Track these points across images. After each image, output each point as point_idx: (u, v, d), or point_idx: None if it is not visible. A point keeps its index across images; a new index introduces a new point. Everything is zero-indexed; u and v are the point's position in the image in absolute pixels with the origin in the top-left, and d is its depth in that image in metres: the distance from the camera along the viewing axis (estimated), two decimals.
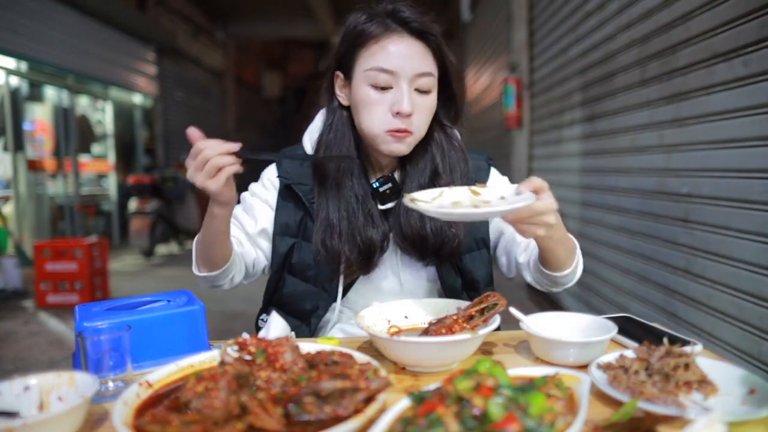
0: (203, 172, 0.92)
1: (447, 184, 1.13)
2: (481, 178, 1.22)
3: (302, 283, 1.19)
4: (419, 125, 1.10)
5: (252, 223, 1.21)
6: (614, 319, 0.99)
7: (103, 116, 8.46)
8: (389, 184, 1.16)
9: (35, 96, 6.93)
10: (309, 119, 1.25)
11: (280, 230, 1.20)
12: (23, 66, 6.28)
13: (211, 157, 0.92)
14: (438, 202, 0.93)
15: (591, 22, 3.40)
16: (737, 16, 1.97)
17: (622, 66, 2.96)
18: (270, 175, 1.24)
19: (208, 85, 11.93)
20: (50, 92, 7.10)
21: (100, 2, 7.10)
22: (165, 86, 9.67)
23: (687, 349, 0.80)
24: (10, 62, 6.05)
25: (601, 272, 3.37)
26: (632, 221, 2.89)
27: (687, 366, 0.74)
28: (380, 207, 1.17)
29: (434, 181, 1.16)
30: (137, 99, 9.08)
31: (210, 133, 0.96)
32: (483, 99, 7.27)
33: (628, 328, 1.00)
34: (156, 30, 8.92)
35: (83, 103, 8.00)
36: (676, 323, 2.43)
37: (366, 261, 1.14)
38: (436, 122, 1.17)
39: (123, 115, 8.88)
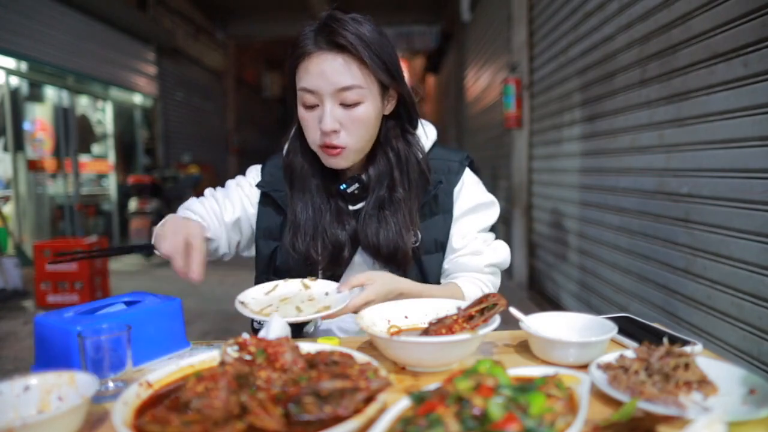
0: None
1: (403, 197, 1.16)
2: (450, 182, 1.21)
3: None
4: (352, 139, 1.10)
5: (230, 211, 1.24)
6: (614, 319, 0.99)
7: (103, 116, 8.45)
8: (356, 185, 1.18)
9: (35, 96, 6.93)
10: None
11: (263, 234, 1.24)
12: (23, 66, 6.28)
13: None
14: (270, 295, 1.04)
15: (591, 22, 3.40)
16: (737, 16, 1.97)
17: (622, 66, 2.96)
18: (254, 173, 1.29)
19: (208, 85, 11.92)
20: (50, 92, 7.10)
21: (100, 2, 7.09)
22: (165, 86, 9.66)
23: (687, 349, 0.80)
24: (10, 62, 6.04)
25: (601, 272, 3.37)
26: (632, 221, 2.89)
27: (687, 366, 0.74)
28: (351, 208, 1.20)
29: (392, 191, 1.17)
30: (137, 99, 9.07)
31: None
32: (483, 99, 7.27)
33: (628, 328, 1.00)
34: (156, 30, 8.92)
35: (83, 103, 7.99)
36: (676, 323, 2.43)
37: (334, 259, 1.17)
38: (397, 129, 1.18)
39: (123, 115, 8.87)
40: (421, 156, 1.19)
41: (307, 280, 1.08)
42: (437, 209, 1.21)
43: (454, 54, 9.93)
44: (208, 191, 1.30)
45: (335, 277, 1.20)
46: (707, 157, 2.19)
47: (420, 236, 1.19)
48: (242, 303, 0.99)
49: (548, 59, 4.37)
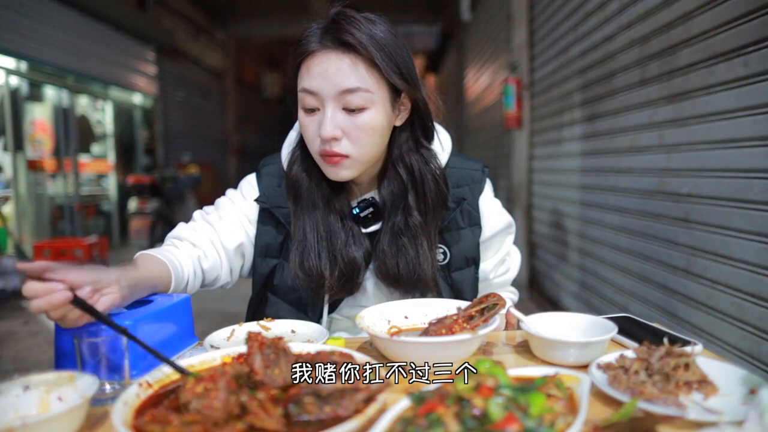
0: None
1: (420, 223, 1.08)
2: (474, 192, 1.15)
3: (285, 304, 1.15)
4: (355, 148, 1.01)
5: (231, 235, 1.14)
6: (614, 319, 0.99)
7: (103, 116, 8.45)
8: (370, 209, 1.10)
9: (35, 96, 6.92)
10: None
11: (261, 252, 1.15)
12: (23, 66, 6.28)
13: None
14: (233, 341, 0.95)
15: (591, 22, 3.40)
16: (737, 16, 1.97)
17: (622, 66, 2.96)
18: (249, 187, 1.18)
19: (208, 85, 11.93)
20: (50, 92, 7.09)
21: (100, 2, 7.10)
22: (165, 86, 9.66)
23: (687, 349, 0.80)
24: (10, 62, 6.04)
25: (601, 272, 3.37)
26: (632, 221, 2.89)
27: (687, 366, 0.74)
28: (364, 230, 1.12)
29: (407, 216, 1.08)
30: (137, 99, 9.07)
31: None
32: (483, 99, 7.27)
33: (628, 328, 1.00)
34: (156, 30, 8.92)
35: (83, 103, 7.99)
36: (676, 323, 2.43)
37: (349, 281, 1.09)
38: (410, 141, 1.09)
39: (123, 115, 8.88)
40: (438, 173, 1.10)
41: (264, 322, 0.99)
42: (464, 223, 1.15)
43: (454, 54, 9.93)
44: (197, 214, 1.18)
45: (338, 301, 1.15)
46: (707, 157, 2.19)
47: (449, 254, 1.14)
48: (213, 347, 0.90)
49: (548, 59, 4.37)
